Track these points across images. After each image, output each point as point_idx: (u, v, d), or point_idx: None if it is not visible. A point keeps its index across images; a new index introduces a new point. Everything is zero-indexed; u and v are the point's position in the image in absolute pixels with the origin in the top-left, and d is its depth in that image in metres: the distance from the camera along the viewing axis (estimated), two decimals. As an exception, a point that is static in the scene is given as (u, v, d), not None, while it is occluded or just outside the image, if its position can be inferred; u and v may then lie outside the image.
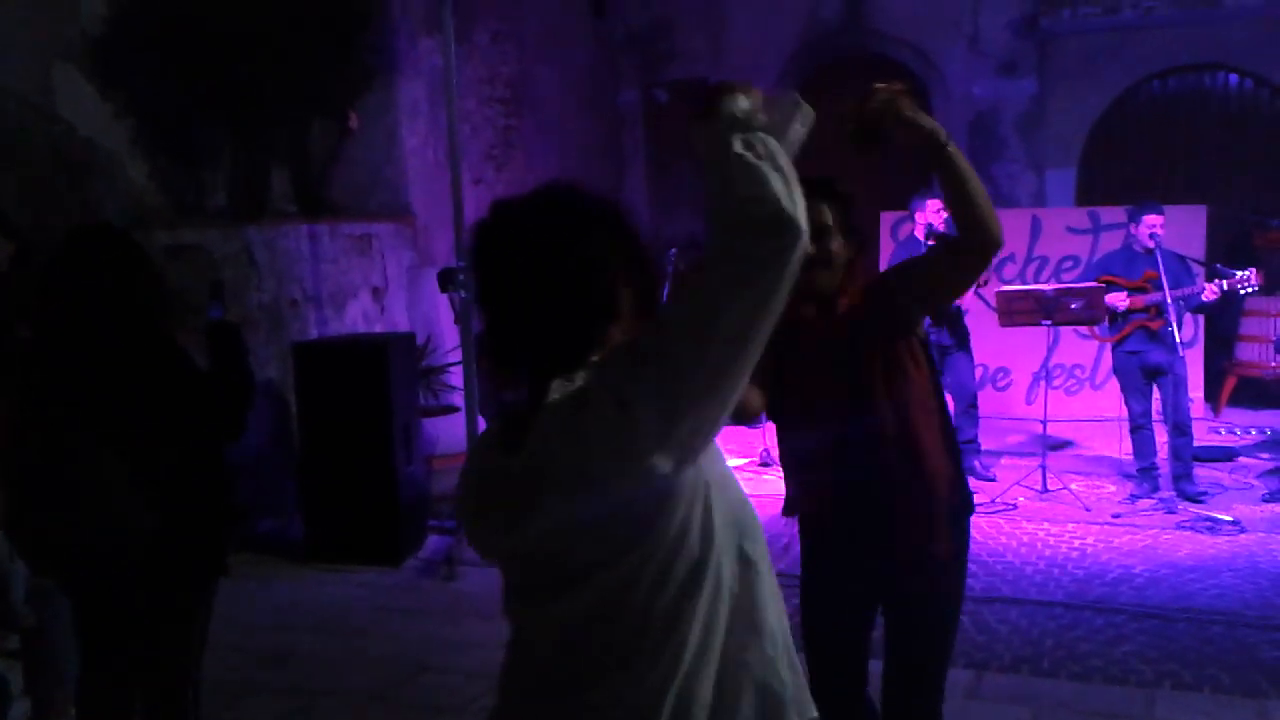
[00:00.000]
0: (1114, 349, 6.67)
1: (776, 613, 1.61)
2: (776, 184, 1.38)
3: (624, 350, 1.44)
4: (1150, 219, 6.40)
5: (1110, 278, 6.56)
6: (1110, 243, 8.35)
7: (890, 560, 2.68)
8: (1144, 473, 6.66)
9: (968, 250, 2.54)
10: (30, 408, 3.00)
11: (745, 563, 1.56)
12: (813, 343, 2.67)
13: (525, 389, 1.54)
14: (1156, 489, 6.55)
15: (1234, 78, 9.99)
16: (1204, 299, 6.29)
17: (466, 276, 1.33)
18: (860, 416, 2.59)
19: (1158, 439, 6.65)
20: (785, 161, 1.42)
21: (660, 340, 1.39)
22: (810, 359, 2.67)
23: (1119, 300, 6.44)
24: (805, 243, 1.38)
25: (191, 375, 3.03)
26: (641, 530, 1.46)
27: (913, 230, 6.96)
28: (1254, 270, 6.22)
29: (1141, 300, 6.39)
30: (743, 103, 1.45)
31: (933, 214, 6.80)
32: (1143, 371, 6.51)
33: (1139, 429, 6.63)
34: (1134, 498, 6.55)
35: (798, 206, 1.38)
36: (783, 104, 1.57)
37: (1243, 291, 6.28)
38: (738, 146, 1.41)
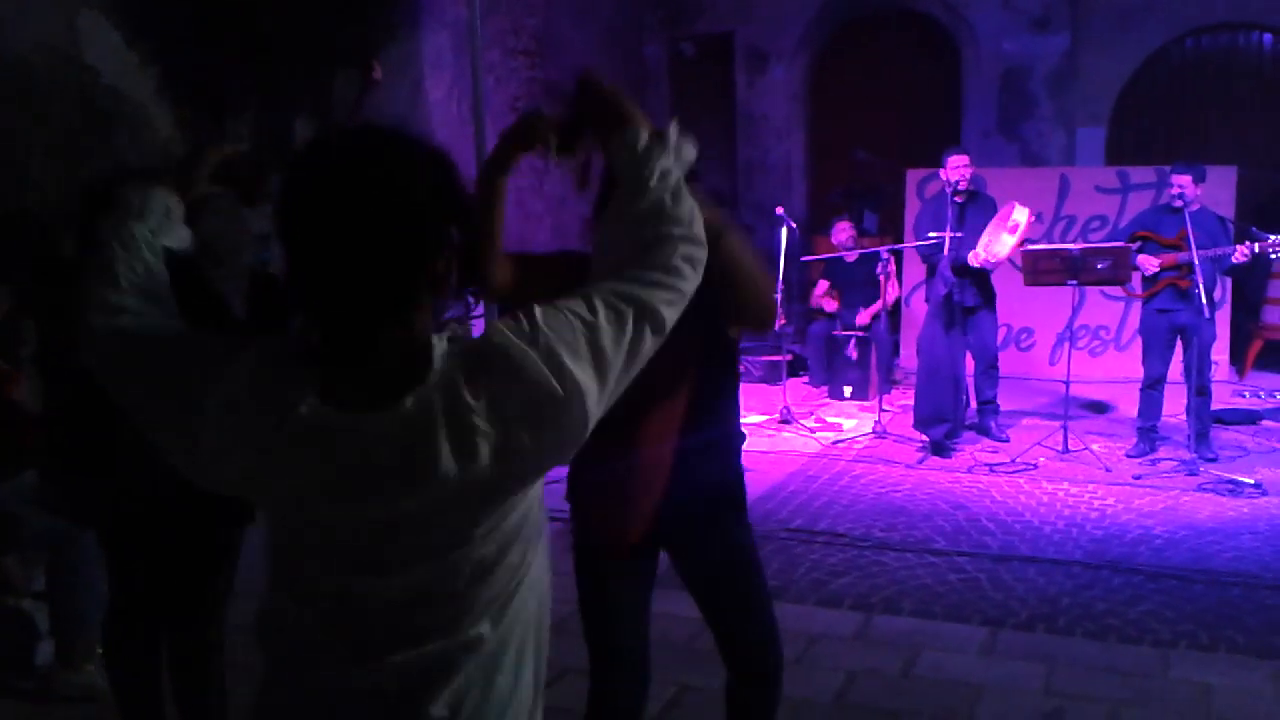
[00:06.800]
0: (1143, 305, 6.64)
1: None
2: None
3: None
4: (1176, 179, 6.35)
5: (1146, 233, 6.52)
6: (1139, 202, 8.27)
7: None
8: (1144, 433, 6.69)
9: (739, 321, 2.41)
10: (64, 360, 3.03)
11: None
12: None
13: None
14: (1154, 449, 6.62)
15: (1269, 37, 9.82)
16: (1234, 260, 6.25)
17: (286, 217, 1.23)
18: None
19: (1179, 399, 6.63)
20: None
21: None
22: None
23: (1149, 264, 6.41)
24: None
25: (229, 326, 3.03)
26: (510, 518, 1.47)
27: (941, 187, 6.90)
28: None
29: (1173, 258, 6.35)
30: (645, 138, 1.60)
31: (953, 170, 6.72)
32: (1170, 331, 6.47)
33: (1151, 388, 6.62)
34: (1129, 455, 6.61)
35: None
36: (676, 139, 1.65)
37: (1273, 255, 6.23)
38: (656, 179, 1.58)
